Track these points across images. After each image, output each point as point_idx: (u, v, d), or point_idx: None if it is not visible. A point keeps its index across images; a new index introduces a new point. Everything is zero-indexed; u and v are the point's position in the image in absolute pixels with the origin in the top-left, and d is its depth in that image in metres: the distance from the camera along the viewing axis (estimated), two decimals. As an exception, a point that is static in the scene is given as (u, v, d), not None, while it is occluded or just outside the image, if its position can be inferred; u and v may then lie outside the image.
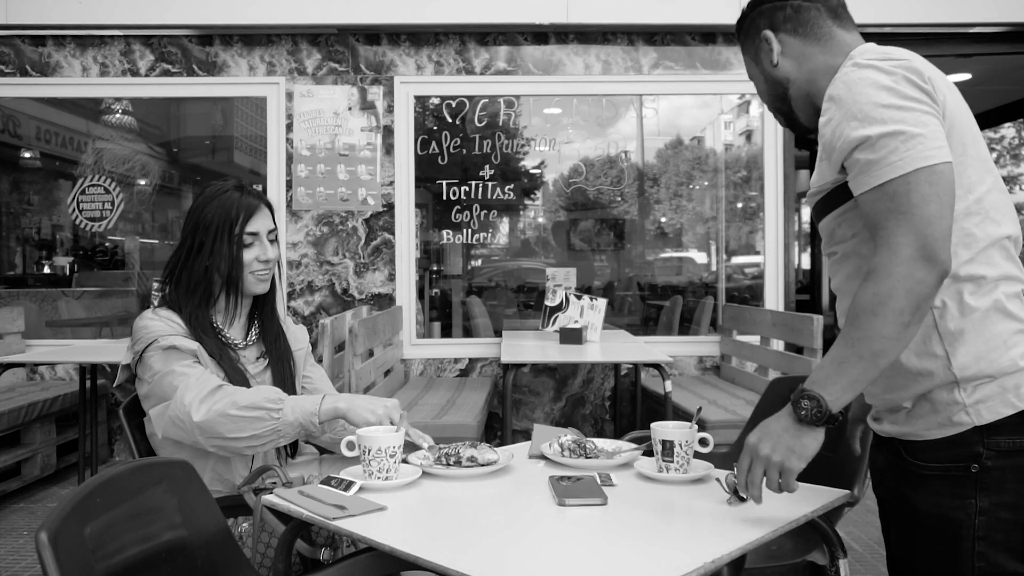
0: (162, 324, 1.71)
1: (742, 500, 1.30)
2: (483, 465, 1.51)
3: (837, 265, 1.34)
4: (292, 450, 1.93)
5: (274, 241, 1.84)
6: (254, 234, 1.79)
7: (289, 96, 4.59)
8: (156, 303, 1.83)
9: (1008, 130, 16.64)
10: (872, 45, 1.30)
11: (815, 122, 1.34)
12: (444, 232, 4.95)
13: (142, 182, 5.19)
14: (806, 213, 8.54)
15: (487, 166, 4.83)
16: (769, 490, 1.21)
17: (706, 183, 5.60)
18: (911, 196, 1.10)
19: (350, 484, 1.39)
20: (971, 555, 1.19)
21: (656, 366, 3.32)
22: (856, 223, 1.26)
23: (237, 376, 1.74)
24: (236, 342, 1.82)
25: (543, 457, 1.63)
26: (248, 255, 1.78)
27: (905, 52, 1.21)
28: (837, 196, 1.27)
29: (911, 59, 1.19)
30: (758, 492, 1.22)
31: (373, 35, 4.60)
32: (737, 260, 5.57)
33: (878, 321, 1.11)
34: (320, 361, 3.08)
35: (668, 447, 1.45)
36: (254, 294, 1.84)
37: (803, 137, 6.19)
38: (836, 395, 1.15)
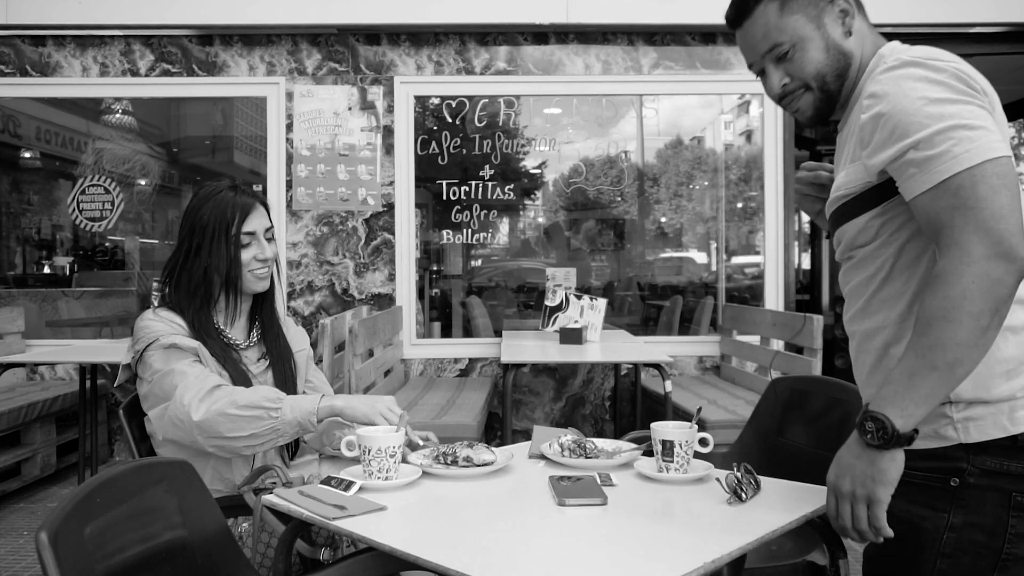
0: (163, 324, 1.71)
1: (742, 500, 1.30)
2: (481, 465, 1.51)
3: (853, 270, 1.28)
4: (293, 450, 1.93)
5: (271, 239, 1.84)
6: (251, 233, 1.78)
7: (289, 96, 4.59)
8: (156, 303, 1.83)
9: (1008, 130, 16.63)
10: (898, 43, 1.25)
11: (837, 113, 1.29)
12: (444, 232, 4.95)
13: (142, 182, 5.19)
14: (806, 214, 8.54)
15: (487, 166, 4.83)
16: (864, 534, 1.12)
17: (706, 183, 5.60)
18: (978, 189, 1.02)
19: (350, 484, 1.39)
20: (932, 570, 1.14)
21: (656, 366, 3.31)
22: (884, 228, 1.19)
23: (241, 377, 1.74)
24: (238, 343, 1.82)
25: (543, 457, 1.63)
26: (246, 255, 1.78)
27: (948, 54, 1.15)
28: (865, 199, 1.20)
29: (958, 60, 1.13)
30: (858, 534, 1.12)
31: (373, 35, 4.60)
32: (737, 260, 5.57)
33: (952, 327, 1.01)
34: (320, 361, 3.09)
35: (668, 447, 1.45)
36: (254, 292, 1.83)
37: (803, 136, 6.12)
38: (906, 412, 1.05)
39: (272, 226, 1.86)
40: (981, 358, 1.05)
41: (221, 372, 1.72)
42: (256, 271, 1.80)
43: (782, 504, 1.31)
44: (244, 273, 1.78)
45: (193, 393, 1.61)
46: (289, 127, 4.59)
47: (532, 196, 5.56)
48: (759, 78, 1.33)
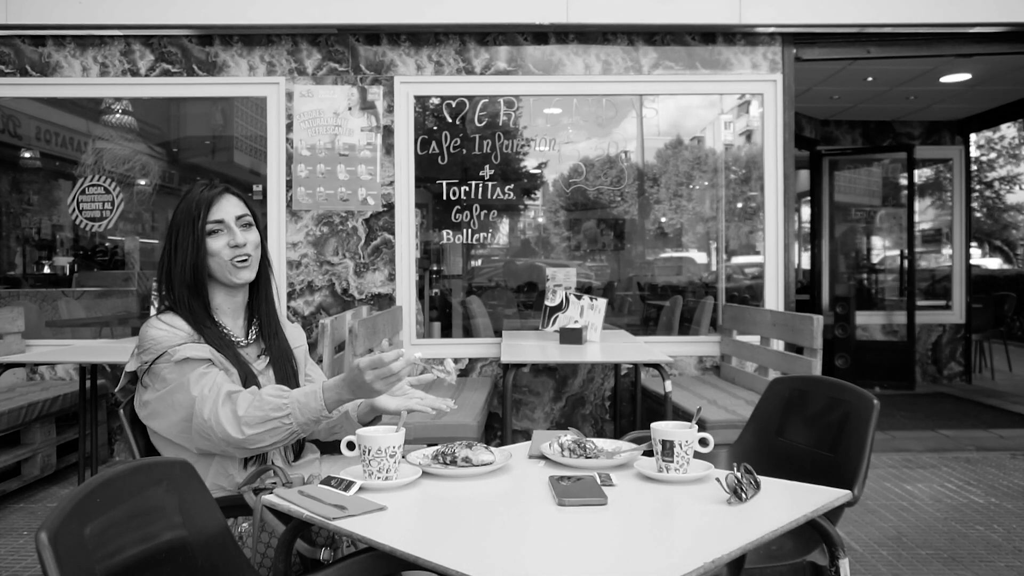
0: (170, 334, 1.70)
1: (742, 500, 1.30)
2: (480, 465, 1.51)
3: None
4: (295, 451, 1.92)
5: (248, 226, 1.81)
6: (219, 221, 1.77)
7: (289, 96, 4.59)
8: (156, 304, 1.82)
9: (1008, 130, 16.66)
10: None
11: None
12: (444, 232, 4.95)
13: (142, 182, 5.19)
14: (806, 213, 8.50)
15: (487, 166, 4.83)
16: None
17: (706, 183, 5.60)
18: None
19: (350, 484, 1.39)
20: None
21: (656, 366, 3.31)
22: None
23: (245, 371, 1.74)
24: (239, 340, 1.82)
25: (543, 457, 1.63)
26: (217, 243, 1.76)
27: None
28: None
29: None
30: None
31: (373, 35, 4.60)
32: (737, 260, 5.57)
33: None
34: (320, 361, 3.08)
35: (668, 447, 1.45)
36: (236, 283, 1.81)
37: (803, 136, 6.11)
38: None
39: (247, 213, 1.82)
40: None
41: (228, 369, 1.72)
42: (234, 259, 1.78)
43: (782, 504, 1.31)
44: (218, 262, 1.77)
45: (210, 407, 1.63)
46: (289, 127, 4.59)
47: (532, 196, 5.56)
48: None
